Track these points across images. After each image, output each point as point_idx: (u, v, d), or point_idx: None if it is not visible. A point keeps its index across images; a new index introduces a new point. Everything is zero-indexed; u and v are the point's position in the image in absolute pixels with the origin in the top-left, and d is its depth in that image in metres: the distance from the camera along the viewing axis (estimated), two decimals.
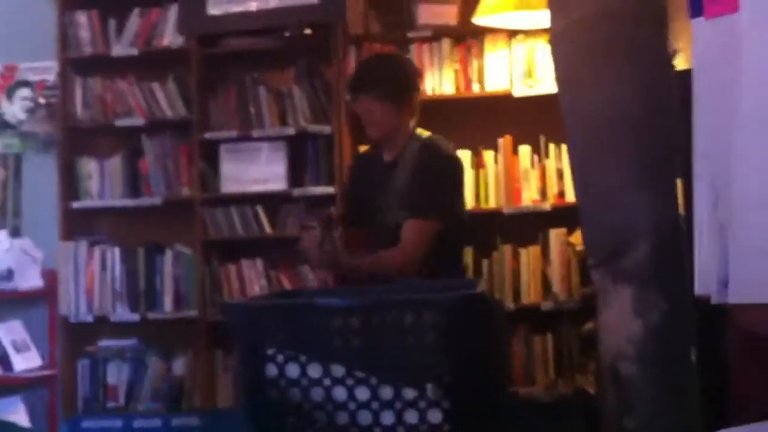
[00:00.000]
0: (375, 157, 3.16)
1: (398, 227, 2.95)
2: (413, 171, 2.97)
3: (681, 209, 1.77)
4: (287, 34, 4.07)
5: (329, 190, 4.02)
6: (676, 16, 2.11)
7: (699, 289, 1.22)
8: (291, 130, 4.10)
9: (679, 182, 1.78)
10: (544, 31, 3.82)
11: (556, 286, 3.83)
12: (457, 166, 3.05)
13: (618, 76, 1.68)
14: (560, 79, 1.79)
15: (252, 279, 4.12)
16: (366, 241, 3.06)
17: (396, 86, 3.03)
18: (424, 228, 2.89)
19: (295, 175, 4.14)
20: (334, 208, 3.60)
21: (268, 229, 4.11)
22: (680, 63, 2.65)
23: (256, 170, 4.14)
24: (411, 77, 3.12)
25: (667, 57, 1.82)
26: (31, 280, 4.21)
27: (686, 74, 1.92)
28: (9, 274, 4.15)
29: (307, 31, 4.07)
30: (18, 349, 4.17)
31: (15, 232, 4.41)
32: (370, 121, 3.07)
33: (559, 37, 1.78)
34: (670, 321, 1.66)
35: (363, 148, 3.60)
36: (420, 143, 3.03)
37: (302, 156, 4.15)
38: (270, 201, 4.13)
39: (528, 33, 3.92)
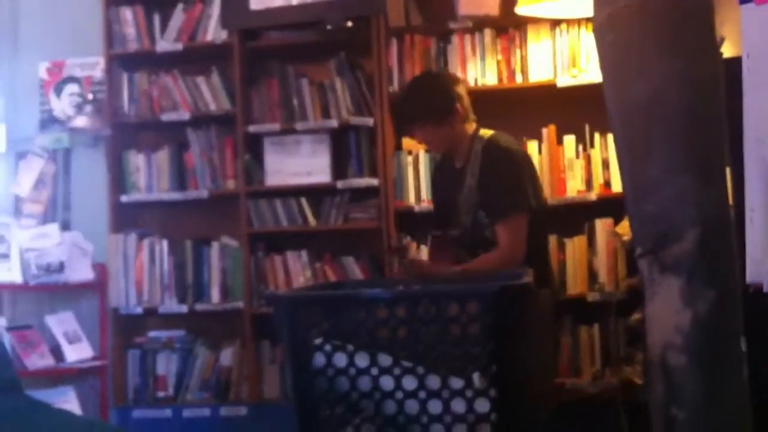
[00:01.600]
0: (449, 163, 3.28)
1: (476, 227, 3.07)
2: (481, 172, 3.09)
3: (729, 197, 1.75)
4: (328, 27, 4.09)
5: (373, 182, 4.04)
6: (722, 3, 2.08)
7: (750, 276, 1.22)
8: (334, 123, 4.13)
9: (727, 170, 1.76)
10: (588, 20, 3.79)
11: (602, 277, 3.80)
12: (517, 157, 3.13)
13: (664, 64, 1.66)
14: (605, 67, 1.78)
15: (297, 271, 4.15)
16: (449, 245, 3.14)
17: (438, 108, 3.13)
18: (514, 223, 2.99)
19: (339, 167, 4.16)
20: (401, 239, 3.84)
21: (312, 221, 4.14)
22: (726, 51, 2.62)
23: (300, 163, 4.17)
24: (449, 91, 3.18)
25: (714, 44, 1.80)
26: (81, 272, 4.29)
27: (732, 62, 1.91)
28: (60, 267, 4.23)
29: (348, 24, 4.09)
30: (70, 340, 4.26)
31: (65, 226, 4.50)
32: (430, 145, 3.30)
33: (603, 26, 1.77)
34: (718, 310, 1.65)
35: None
36: (483, 144, 3.13)
37: (345, 148, 4.17)
38: (314, 193, 4.16)
39: (571, 22, 3.89)
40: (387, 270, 4.02)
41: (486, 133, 3.18)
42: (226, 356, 4.22)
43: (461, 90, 3.24)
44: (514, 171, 3.07)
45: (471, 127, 3.20)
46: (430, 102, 3.14)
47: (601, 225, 3.84)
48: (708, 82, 1.70)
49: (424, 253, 3.64)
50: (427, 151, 3.94)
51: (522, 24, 3.93)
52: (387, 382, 1.68)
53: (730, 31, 2.73)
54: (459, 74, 3.98)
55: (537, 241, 3.16)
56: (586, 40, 3.85)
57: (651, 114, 1.67)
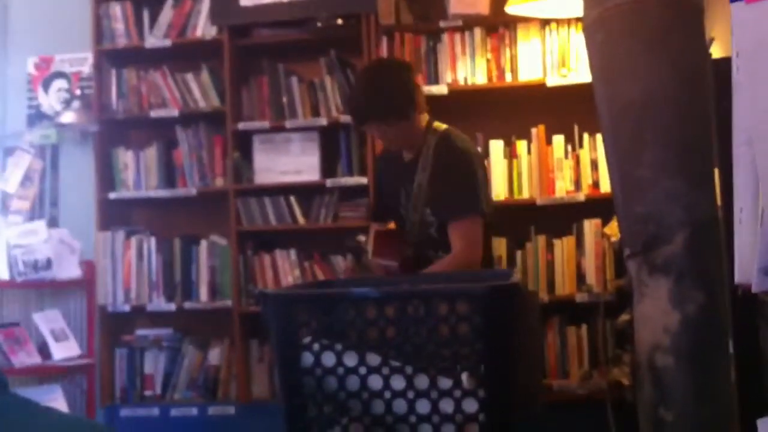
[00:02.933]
0: (395, 156, 3.11)
1: (422, 224, 2.95)
2: (434, 169, 2.93)
3: (718, 199, 1.75)
4: (319, 24, 4.08)
5: (362, 180, 4.03)
6: (711, 4, 2.08)
7: (739, 277, 1.21)
8: (323, 121, 4.12)
9: (716, 172, 1.76)
10: (578, 19, 3.80)
11: (591, 278, 3.82)
12: (473, 159, 2.96)
13: (654, 64, 1.66)
14: (595, 67, 1.78)
15: (286, 269, 4.14)
16: (395, 240, 3.05)
17: (398, 102, 2.92)
18: (470, 226, 2.86)
19: (328, 166, 4.16)
20: (356, 237, 3.59)
21: (301, 219, 4.13)
22: (716, 52, 2.62)
23: (289, 161, 4.17)
24: (405, 84, 2.96)
25: (704, 44, 1.80)
26: (69, 270, 4.27)
27: (722, 62, 1.91)
28: (48, 264, 4.21)
29: (339, 22, 4.08)
30: (57, 338, 4.24)
31: (53, 223, 4.48)
32: (386, 140, 3.06)
33: (593, 26, 1.77)
34: (706, 312, 1.65)
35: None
36: (436, 139, 2.97)
37: (335, 146, 4.16)
38: (303, 192, 4.15)
39: (561, 22, 3.89)
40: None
41: (439, 126, 3.00)
42: (215, 355, 4.21)
43: (417, 79, 3.06)
44: (469, 173, 2.92)
45: (424, 118, 2.99)
46: (391, 99, 2.91)
47: (590, 226, 3.85)
48: (698, 82, 1.70)
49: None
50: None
51: (512, 23, 3.94)
52: (375, 382, 1.67)
53: (720, 32, 2.74)
54: (449, 73, 3.99)
55: (487, 246, 3.02)
56: (576, 40, 3.86)
57: (641, 114, 1.67)
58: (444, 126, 3.02)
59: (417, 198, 2.96)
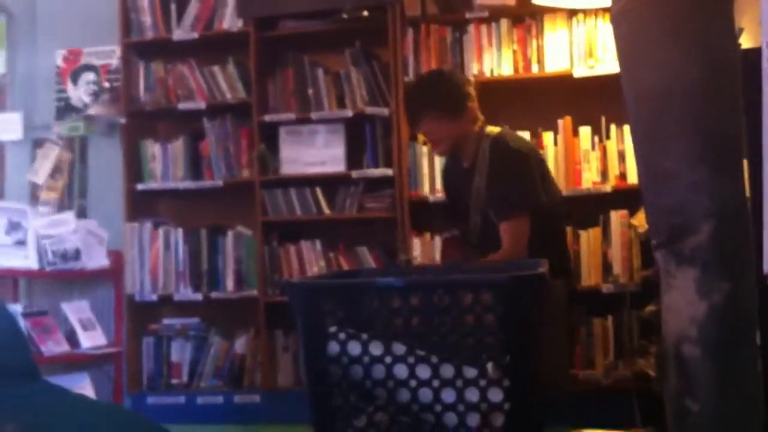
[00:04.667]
0: (457, 163, 3.28)
1: (486, 226, 3.08)
2: (489, 173, 3.09)
3: (746, 189, 1.74)
4: (344, 16, 4.09)
5: (387, 172, 4.04)
6: None
7: (767, 267, 1.21)
8: (349, 113, 4.13)
9: (744, 162, 1.75)
10: (605, 9, 3.78)
11: (617, 269, 3.80)
12: (526, 157, 3.11)
13: (683, 53, 1.65)
14: (623, 57, 1.76)
15: (311, 260, 4.16)
16: (460, 245, 3.14)
17: (448, 102, 3.13)
18: (516, 225, 2.99)
19: (353, 158, 4.17)
20: (404, 249, 3.84)
21: (326, 210, 4.15)
22: (745, 42, 2.60)
23: (315, 152, 4.18)
24: (460, 88, 3.18)
25: (733, 33, 1.78)
26: (97, 260, 4.31)
27: (751, 53, 1.89)
28: (76, 255, 4.25)
29: (364, 13, 4.08)
30: (85, 327, 4.28)
31: (81, 213, 4.53)
32: (434, 141, 3.22)
33: (621, 16, 1.75)
34: (734, 302, 1.64)
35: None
36: (489, 143, 3.12)
37: (360, 138, 4.17)
38: (328, 183, 4.16)
39: (588, 12, 3.87)
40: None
41: (492, 130, 3.18)
42: (240, 344, 4.24)
43: (472, 91, 3.24)
44: (520, 171, 3.07)
45: (477, 127, 3.19)
46: (443, 95, 3.14)
47: (616, 216, 3.83)
48: (725, 70, 1.68)
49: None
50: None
51: (538, 13, 3.92)
52: (401, 371, 1.68)
53: (749, 22, 2.72)
54: (475, 64, 3.98)
55: (553, 232, 3.16)
56: (603, 30, 3.84)
57: (667, 103, 1.66)
58: (497, 129, 3.19)
59: (476, 202, 3.11)
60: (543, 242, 3.02)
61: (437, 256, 3.80)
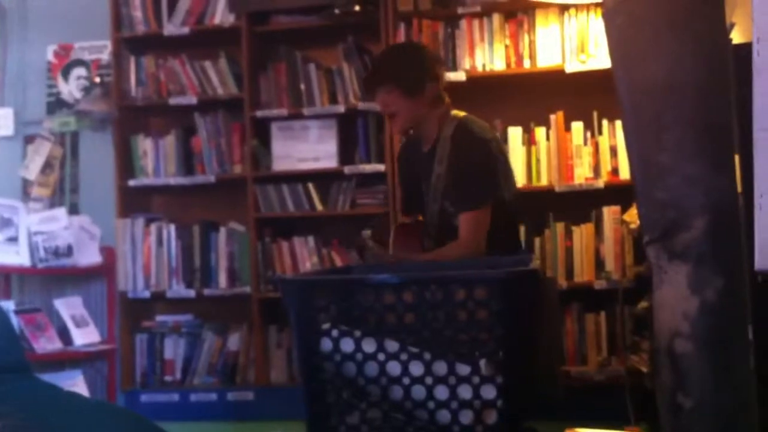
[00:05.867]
0: (416, 145, 3.09)
1: (443, 215, 2.92)
2: (450, 160, 2.90)
3: (738, 184, 1.74)
4: (336, 11, 4.08)
5: (379, 167, 4.04)
6: None
7: (759, 263, 1.21)
8: (341, 108, 4.12)
9: (736, 158, 1.75)
10: (597, 5, 3.78)
11: (609, 265, 3.81)
12: (488, 147, 2.92)
13: (676, 46, 1.65)
14: (615, 51, 1.76)
15: (304, 256, 4.16)
16: (415, 232, 3.05)
17: (408, 77, 2.92)
18: (475, 217, 2.83)
19: (346, 153, 4.16)
20: (365, 231, 3.57)
21: (319, 206, 4.14)
22: (736, 37, 2.60)
23: (307, 148, 4.17)
24: (425, 66, 2.95)
25: (725, 28, 1.78)
26: (89, 256, 4.30)
27: (742, 48, 1.89)
28: (68, 251, 4.24)
29: (356, 8, 4.07)
30: (77, 323, 4.27)
31: (73, 209, 4.51)
32: (388, 115, 3.02)
33: (613, 11, 1.75)
34: (726, 298, 1.64)
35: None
36: (452, 127, 2.93)
37: (353, 133, 4.17)
38: (321, 179, 4.16)
39: (580, 7, 3.87)
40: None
41: (457, 114, 2.97)
42: (234, 341, 4.24)
43: (440, 72, 3.03)
44: (483, 161, 2.88)
45: (440, 111, 2.95)
46: (401, 70, 2.92)
47: (609, 212, 3.84)
48: (720, 65, 1.68)
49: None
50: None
51: (530, 9, 3.92)
52: (394, 368, 1.68)
53: (740, 17, 2.72)
54: (467, 59, 3.98)
55: (510, 230, 3.02)
56: (595, 26, 3.84)
57: (662, 97, 1.65)
58: (462, 114, 2.99)
59: (436, 189, 2.93)
60: (498, 237, 2.88)
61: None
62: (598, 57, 3.82)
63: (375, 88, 2.99)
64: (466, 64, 3.97)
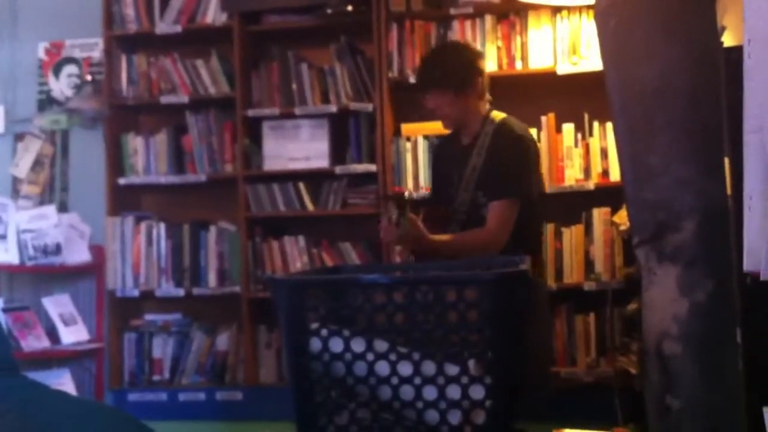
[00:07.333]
0: (455, 139, 3.24)
1: (473, 205, 3.05)
2: (489, 153, 3.06)
3: (728, 187, 1.75)
4: (329, 11, 4.08)
5: (371, 167, 4.03)
6: None
7: (748, 265, 1.21)
8: (333, 108, 4.12)
9: (726, 161, 1.76)
10: (589, 7, 3.78)
11: (599, 266, 3.81)
12: (528, 146, 3.10)
13: (668, 48, 1.65)
14: (607, 53, 1.77)
15: (294, 255, 4.15)
16: (443, 219, 3.11)
17: (458, 76, 3.09)
18: (506, 208, 2.98)
19: (337, 153, 4.16)
20: (407, 192, 3.81)
21: (310, 206, 4.14)
22: (727, 40, 2.61)
23: (299, 147, 4.17)
24: (472, 63, 3.14)
25: (716, 31, 1.79)
26: (78, 254, 4.29)
27: (733, 51, 1.90)
28: (57, 249, 4.23)
29: (349, 8, 4.07)
30: (66, 322, 4.26)
31: (63, 207, 4.50)
32: (442, 115, 3.17)
33: (606, 11, 1.76)
34: (715, 300, 1.65)
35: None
36: (494, 126, 3.10)
37: (344, 133, 4.16)
38: (312, 178, 4.15)
39: (572, 9, 3.88)
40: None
41: (498, 115, 3.15)
42: (223, 340, 4.23)
43: (482, 65, 3.21)
44: (521, 158, 3.05)
45: (484, 106, 3.16)
46: (452, 69, 3.10)
47: (599, 214, 3.84)
48: (711, 67, 1.69)
49: None
50: (428, 134, 3.93)
51: (523, 10, 3.92)
52: (383, 368, 1.68)
53: (731, 20, 2.73)
54: None
55: (535, 230, 3.16)
56: (587, 28, 3.85)
57: (654, 99, 1.66)
58: (503, 115, 3.16)
59: (469, 180, 3.07)
60: (522, 234, 3.01)
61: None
62: (589, 59, 3.83)
63: (427, 90, 3.14)
64: None
